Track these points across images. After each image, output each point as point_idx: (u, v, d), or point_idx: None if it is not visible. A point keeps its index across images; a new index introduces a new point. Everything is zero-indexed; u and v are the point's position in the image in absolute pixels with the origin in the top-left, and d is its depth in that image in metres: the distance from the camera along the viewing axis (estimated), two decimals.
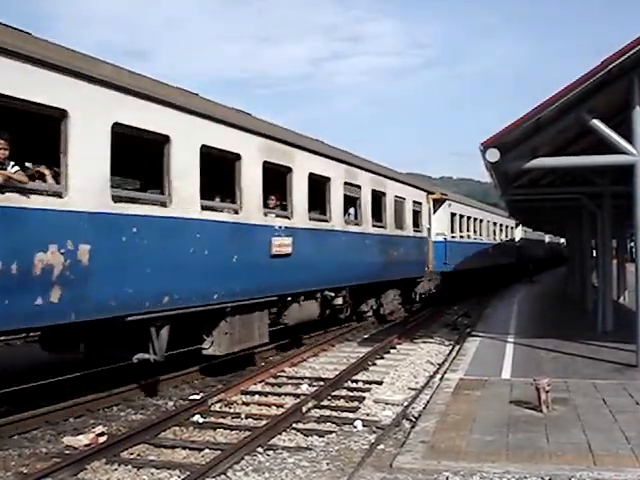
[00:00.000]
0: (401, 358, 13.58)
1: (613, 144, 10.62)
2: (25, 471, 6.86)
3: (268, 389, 10.88)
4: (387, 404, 9.68)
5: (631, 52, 9.65)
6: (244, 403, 9.86)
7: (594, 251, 21.31)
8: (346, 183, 15.38)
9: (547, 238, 59.29)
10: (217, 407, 9.55)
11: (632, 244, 31.08)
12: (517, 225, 41.66)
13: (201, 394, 10.28)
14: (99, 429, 8.08)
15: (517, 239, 42.22)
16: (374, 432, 8.21)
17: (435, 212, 23.98)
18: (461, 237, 27.08)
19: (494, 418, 7.89)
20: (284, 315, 13.13)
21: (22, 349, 13.84)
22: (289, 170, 12.79)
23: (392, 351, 14.57)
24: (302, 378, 11.64)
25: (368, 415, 9.11)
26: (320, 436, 8.08)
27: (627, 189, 11.33)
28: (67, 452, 7.46)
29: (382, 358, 13.66)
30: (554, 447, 6.75)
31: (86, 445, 7.55)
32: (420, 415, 8.34)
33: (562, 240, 68.14)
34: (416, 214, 21.22)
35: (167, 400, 10.11)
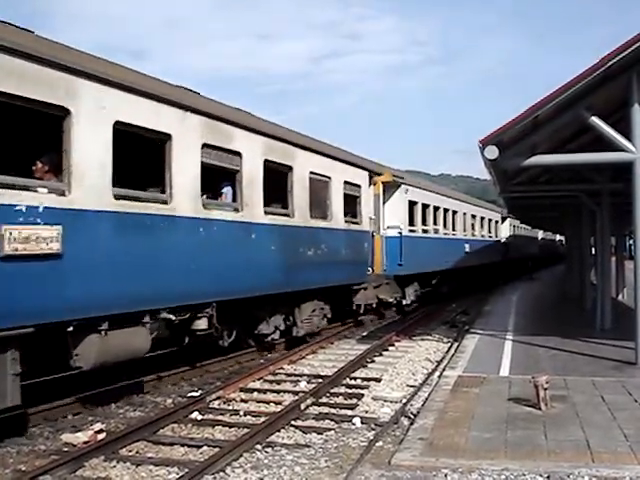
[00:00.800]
0: (400, 355, 13.58)
1: (612, 141, 10.62)
2: (23, 468, 6.86)
3: (267, 386, 10.89)
4: (386, 401, 9.69)
5: (630, 49, 9.64)
6: (243, 400, 9.87)
7: (593, 249, 21.32)
8: (208, 146, 10.35)
9: (540, 234, 54.37)
10: (216, 404, 9.55)
11: (631, 242, 31.13)
12: (504, 219, 37.54)
13: (200, 391, 10.28)
14: (97, 426, 8.07)
15: (504, 235, 37.86)
16: (372, 429, 8.22)
17: (387, 200, 19.33)
18: (425, 231, 22.33)
19: (492, 415, 7.89)
20: (75, 355, 8.25)
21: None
22: (65, 114, 7.81)
23: (390, 348, 14.56)
24: (301, 375, 11.65)
25: (366, 412, 9.12)
26: (319, 433, 8.08)
27: (626, 187, 11.32)
28: (65, 449, 7.47)
29: (381, 355, 13.66)
30: (553, 444, 6.75)
31: (84, 442, 7.54)
32: (418, 412, 8.34)
33: (558, 237, 66.78)
34: (351, 200, 16.22)
35: (166, 397, 10.11)
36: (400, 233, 19.43)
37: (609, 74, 10.16)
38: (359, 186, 16.58)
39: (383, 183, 18.75)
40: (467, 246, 27.56)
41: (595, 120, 10.69)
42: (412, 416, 8.38)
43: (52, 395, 9.20)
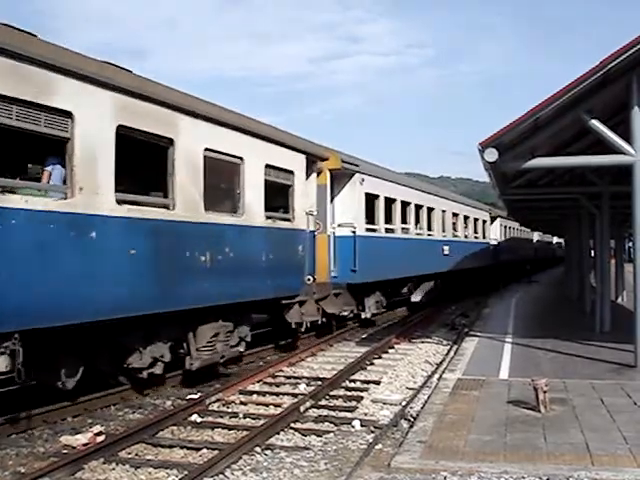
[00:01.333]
0: (399, 358, 13.58)
1: (612, 144, 10.63)
2: (23, 470, 6.86)
3: (266, 389, 10.89)
4: (385, 404, 9.69)
5: (629, 52, 9.65)
6: (242, 403, 9.87)
7: (592, 251, 21.34)
8: None
9: (536, 236, 50.97)
10: (215, 407, 9.55)
11: (630, 244, 31.17)
12: (494, 219, 33.89)
13: (199, 394, 10.27)
14: (97, 428, 8.07)
15: (494, 237, 33.92)
16: (372, 432, 8.22)
17: (338, 192, 16.21)
18: (389, 231, 18.73)
19: (492, 418, 7.89)
20: None
21: None
22: None
23: (390, 351, 14.57)
24: (300, 378, 11.65)
25: (366, 415, 9.12)
26: (318, 436, 8.08)
27: (626, 189, 11.34)
28: (65, 451, 7.46)
29: (380, 358, 13.66)
30: (552, 447, 6.75)
31: (84, 444, 7.54)
32: (418, 415, 8.33)
33: (555, 239, 65.65)
34: (279, 190, 12.74)
35: (165, 399, 10.11)
36: (354, 232, 16.13)
37: (609, 77, 10.17)
38: (291, 172, 12.91)
39: (331, 171, 15.42)
40: (446, 248, 24.16)
41: (595, 123, 10.70)
42: (411, 419, 8.38)
43: (51, 397, 9.20)
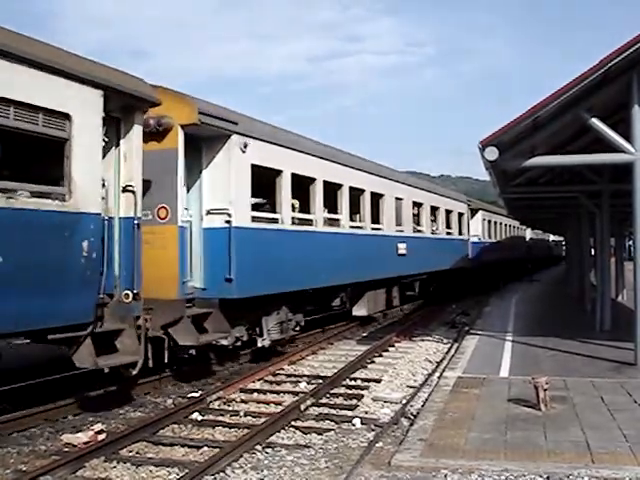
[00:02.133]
0: (400, 356, 13.59)
1: (612, 143, 10.63)
2: (24, 469, 6.86)
3: (267, 387, 10.90)
4: (385, 402, 9.70)
5: (629, 51, 9.65)
6: (243, 401, 9.88)
7: (592, 250, 21.34)
8: None
9: (529, 233, 46.05)
10: (216, 405, 9.57)
11: (630, 243, 31.09)
12: (474, 212, 29.04)
13: (200, 392, 10.29)
14: (98, 427, 8.08)
15: (475, 233, 28.79)
16: (372, 430, 8.22)
17: (207, 163, 11.15)
18: (304, 222, 13.50)
19: (492, 416, 7.90)
20: None
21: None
22: None
23: (391, 349, 14.57)
24: (301, 376, 11.66)
25: (367, 413, 9.13)
26: (319, 434, 8.09)
27: (626, 187, 11.34)
28: (66, 450, 7.47)
29: (381, 356, 13.67)
30: (552, 445, 6.77)
31: (85, 443, 7.55)
32: (418, 413, 8.35)
33: (551, 237, 63.62)
34: (35, 147, 7.93)
35: (166, 398, 10.12)
36: (229, 222, 11.02)
37: (609, 75, 10.18)
38: (65, 117, 7.61)
39: (185, 129, 10.42)
40: (402, 247, 18.95)
41: (595, 122, 10.70)
42: (412, 417, 8.39)
43: (53, 395, 9.21)
